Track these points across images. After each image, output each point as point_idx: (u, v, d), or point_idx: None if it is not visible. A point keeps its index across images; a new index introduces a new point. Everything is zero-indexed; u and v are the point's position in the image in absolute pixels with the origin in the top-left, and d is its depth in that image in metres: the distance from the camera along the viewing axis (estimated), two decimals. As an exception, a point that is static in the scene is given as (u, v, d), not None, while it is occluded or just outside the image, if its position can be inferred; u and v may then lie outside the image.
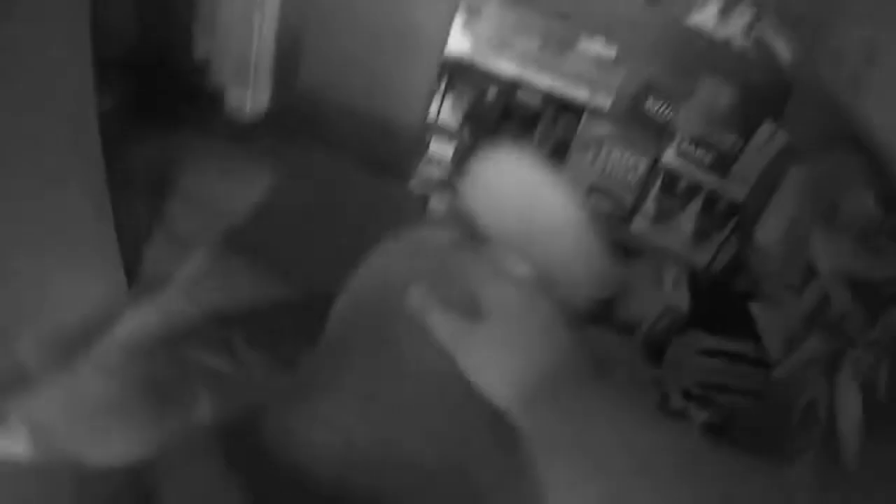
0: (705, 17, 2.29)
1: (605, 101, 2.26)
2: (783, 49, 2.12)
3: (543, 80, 2.30)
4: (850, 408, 1.25)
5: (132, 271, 1.92)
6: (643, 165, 2.22)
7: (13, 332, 1.28)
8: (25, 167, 1.31)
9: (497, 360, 0.59)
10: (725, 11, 2.26)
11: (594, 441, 0.49)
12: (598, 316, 2.40)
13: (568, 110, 2.31)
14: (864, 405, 1.20)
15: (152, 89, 2.74)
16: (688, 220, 2.22)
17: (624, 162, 2.23)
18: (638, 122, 2.24)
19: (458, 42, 2.30)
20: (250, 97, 2.69)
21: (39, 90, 1.28)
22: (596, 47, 2.22)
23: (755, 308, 1.79)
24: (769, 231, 2.00)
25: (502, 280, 0.65)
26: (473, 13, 2.25)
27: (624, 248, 2.45)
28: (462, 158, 2.50)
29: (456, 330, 0.61)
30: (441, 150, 2.49)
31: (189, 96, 2.75)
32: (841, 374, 1.32)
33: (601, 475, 0.47)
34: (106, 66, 1.61)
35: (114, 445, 0.91)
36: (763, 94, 2.16)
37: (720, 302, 2.15)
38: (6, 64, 1.16)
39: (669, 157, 2.17)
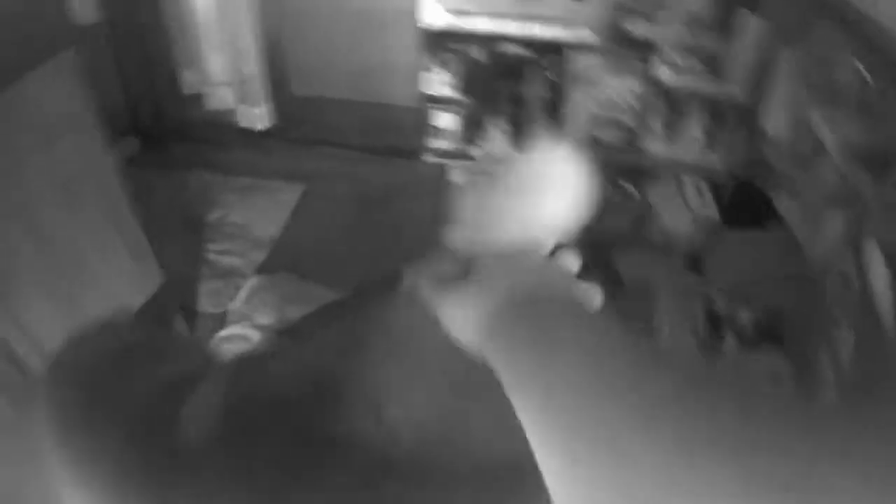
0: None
1: (584, 34, 2.32)
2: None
3: (522, 29, 2.36)
4: (879, 270, 1.33)
5: (190, 310, 2.10)
6: (638, 87, 2.28)
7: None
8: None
9: (462, 303, 0.59)
10: None
11: (554, 369, 0.47)
12: (633, 239, 2.50)
13: (553, 51, 2.38)
14: (891, 265, 1.28)
15: (157, 133, 2.89)
16: (695, 129, 2.29)
17: (619, 88, 2.29)
18: (621, 45, 2.29)
19: (433, 12, 2.37)
20: (256, 113, 2.81)
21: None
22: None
23: (777, 199, 1.86)
24: (774, 120, 2.05)
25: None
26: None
27: (640, 171, 2.54)
28: (467, 123, 2.59)
29: (436, 291, 0.63)
30: (444, 120, 2.58)
31: (191, 128, 2.89)
32: (865, 241, 1.40)
33: (558, 404, 0.44)
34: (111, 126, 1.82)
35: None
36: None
37: (744, 200, 2.22)
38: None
39: (662, 72, 2.22)
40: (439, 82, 2.51)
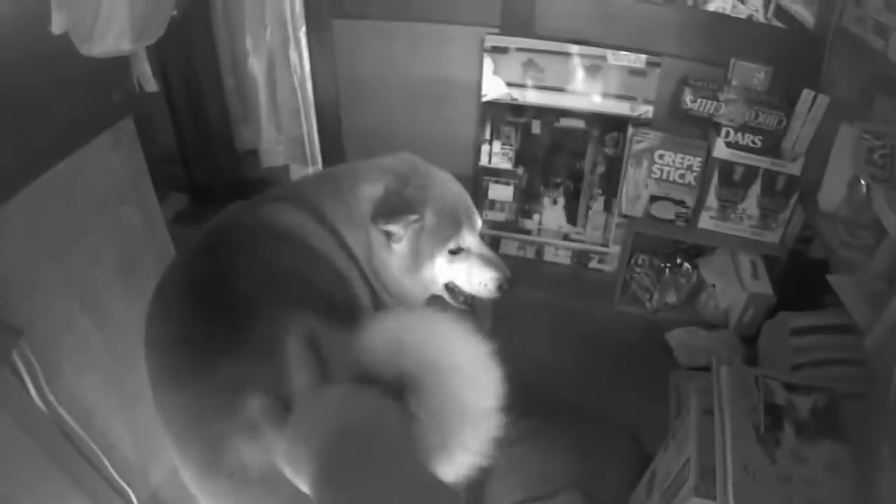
0: (723, 1, 2.50)
1: (646, 110, 2.49)
2: (804, 12, 2.28)
3: (583, 104, 2.53)
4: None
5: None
6: (697, 163, 2.41)
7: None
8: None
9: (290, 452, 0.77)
10: (741, -10, 2.46)
11: None
12: (685, 316, 2.61)
13: (613, 126, 2.54)
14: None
15: (209, 190, 3.07)
16: (751, 205, 2.40)
17: (678, 165, 2.43)
18: (682, 121, 2.44)
19: (493, 85, 2.55)
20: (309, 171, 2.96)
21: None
22: (625, 60, 2.44)
23: (833, 278, 1.94)
24: (831, 196, 2.14)
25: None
26: (500, 55, 2.50)
27: (695, 248, 2.66)
28: (524, 196, 2.74)
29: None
30: (500, 193, 2.72)
31: (244, 185, 3.05)
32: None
33: None
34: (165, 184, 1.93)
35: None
36: (796, 63, 2.32)
37: (800, 277, 2.31)
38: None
39: (720, 149, 2.34)
40: (496, 154, 2.67)
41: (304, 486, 0.76)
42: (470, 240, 1.56)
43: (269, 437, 0.88)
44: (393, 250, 1.48)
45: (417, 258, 1.50)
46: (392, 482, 0.70)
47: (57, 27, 1.38)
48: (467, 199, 1.59)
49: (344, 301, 1.38)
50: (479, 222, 1.61)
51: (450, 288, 1.62)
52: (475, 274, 1.57)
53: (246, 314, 1.11)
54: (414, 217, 1.44)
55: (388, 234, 1.46)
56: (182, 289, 1.23)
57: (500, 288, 1.58)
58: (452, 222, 1.51)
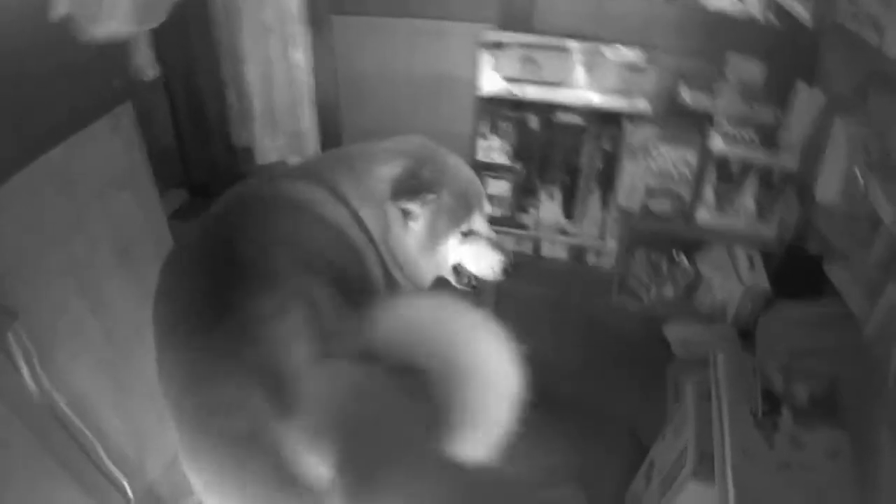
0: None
1: (642, 104, 2.49)
2: (801, 9, 2.29)
3: (580, 99, 2.53)
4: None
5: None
6: (693, 157, 2.42)
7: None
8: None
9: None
10: (740, -12, 2.46)
11: None
12: (682, 309, 2.62)
13: (609, 121, 2.55)
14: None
15: (207, 185, 3.07)
16: (748, 199, 2.40)
17: (674, 158, 2.43)
18: (678, 116, 2.45)
19: (490, 80, 2.55)
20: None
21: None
22: (622, 54, 2.45)
23: (830, 268, 1.95)
24: (827, 189, 2.12)
25: None
26: (497, 50, 2.51)
27: (692, 241, 2.67)
28: (520, 191, 2.75)
29: None
30: (497, 188, 2.72)
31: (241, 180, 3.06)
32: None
33: None
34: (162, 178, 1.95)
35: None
36: (791, 58, 2.33)
37: (797, 270, 2.30)
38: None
39: (716, 143, 2.34)
40: (494, 149, 2.67)
41: (324, 469, 0.78)
42: (480, 223, 1.62)
43: (262, 411, 0.89)
44: (410, 229, 1.52)
45: (433, 237, 1.54)
46: (408, 467, 0.72)
47: (61, 8, 1.39)
48: (478, 183, 1.64)
49: (358, 277, 1.43)
50: (488, 207, 1.66)
51: (456, 269, 1.66)
52: (484, 256, 1.62)
53: (254, 277, 1.15)
54: (432, 196, 1.49)
55: (407, 213, 1.50)
56: (196, 249, 1.27)
57: (505, 270, 1.62)
58: (466, 205, 1.56)
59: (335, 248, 1.38)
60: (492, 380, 0.93)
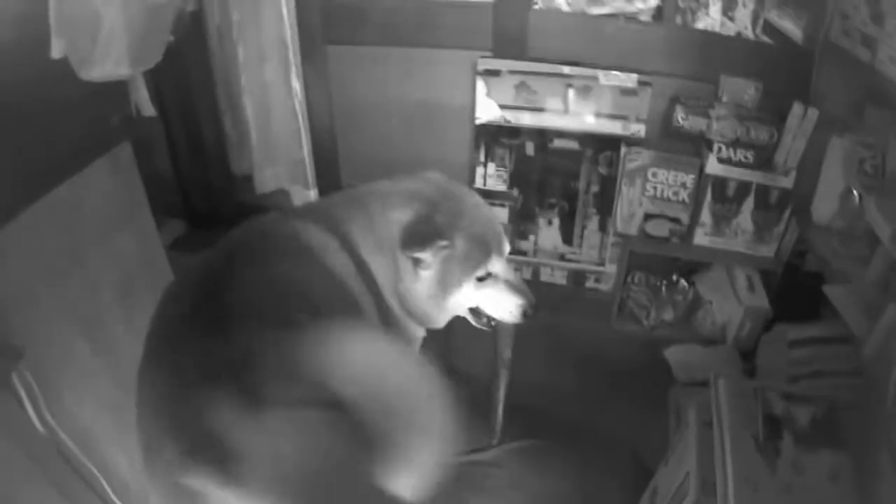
0: (712, 19, 2.54)
1: (638, 129, 2.51)
2: (792, 27, 2.32)
3: (576, 124, 2.56)
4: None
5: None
6: (690, 180, 2.44)
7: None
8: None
9: None
10: (729, 7, 2.49)
11: None
12: (682, 332, 2.63)
13: (606, 146, 2.56)
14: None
15: (206, 215, 3.08)
16: (745, 220, 2.42)
17: (671, 182, 2.45)
18: (674, 139, 2.47)
19: (486, 108, 2.58)
20: (305, 196, 2.97)
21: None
22: (616, 80, 2.48)
23: (829, 289, 1.96)
24: (824, 208, 2.16)
25: None
26: (492, 78, 2.54)
27: (690, 263, 2.69)
28: (519, 218, 2.76)
29: None
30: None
31: (241, 210, 3.07)
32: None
33: None
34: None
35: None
36: (785, 78, 2.35)
37: (796, 290, 2.33)
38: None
39: (713, 165, 2.37)
40: (491, 176, 2.69)
41: None
42: (498, 266, 1.56)
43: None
44: (420, 277, 1.49)
45: (445, 285, 1.51)
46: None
47: (56, 52, 1.41)
48: (497, 224, 1.60)
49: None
50: (507, 248, 1.62)
51: (474, 310, 1.63)
52: (501, 300, 1.57)
53: (231, 323, 1.12)
54: (443, 244, 1.45)
55: (417, 261, 1.46)
56: (190, 280, 1.27)
57: (524, 314, 1.58)
58: (482, 249, 1.51)
59: (327, 296, 1.34)
60: (420, 420, 0.94)
